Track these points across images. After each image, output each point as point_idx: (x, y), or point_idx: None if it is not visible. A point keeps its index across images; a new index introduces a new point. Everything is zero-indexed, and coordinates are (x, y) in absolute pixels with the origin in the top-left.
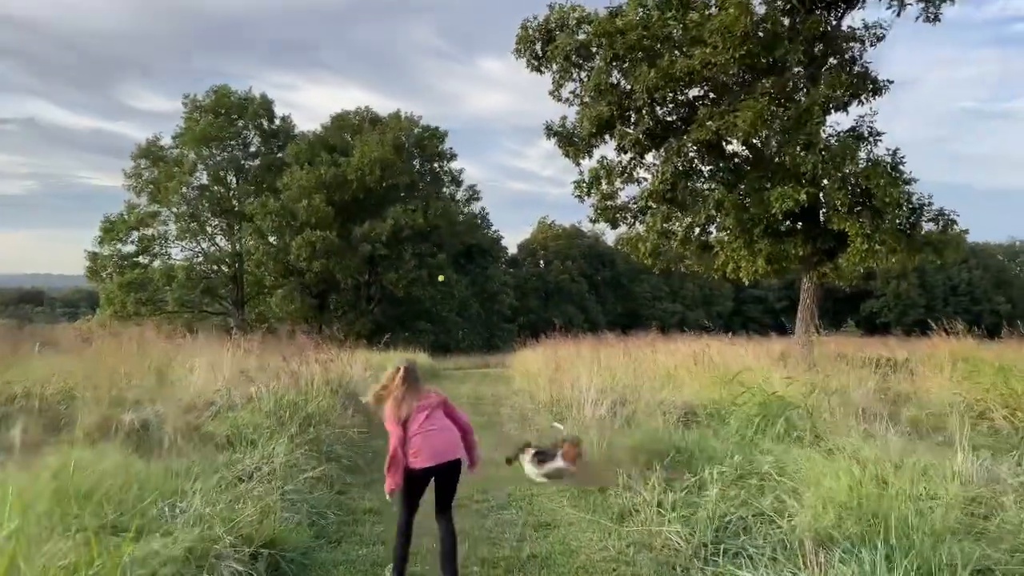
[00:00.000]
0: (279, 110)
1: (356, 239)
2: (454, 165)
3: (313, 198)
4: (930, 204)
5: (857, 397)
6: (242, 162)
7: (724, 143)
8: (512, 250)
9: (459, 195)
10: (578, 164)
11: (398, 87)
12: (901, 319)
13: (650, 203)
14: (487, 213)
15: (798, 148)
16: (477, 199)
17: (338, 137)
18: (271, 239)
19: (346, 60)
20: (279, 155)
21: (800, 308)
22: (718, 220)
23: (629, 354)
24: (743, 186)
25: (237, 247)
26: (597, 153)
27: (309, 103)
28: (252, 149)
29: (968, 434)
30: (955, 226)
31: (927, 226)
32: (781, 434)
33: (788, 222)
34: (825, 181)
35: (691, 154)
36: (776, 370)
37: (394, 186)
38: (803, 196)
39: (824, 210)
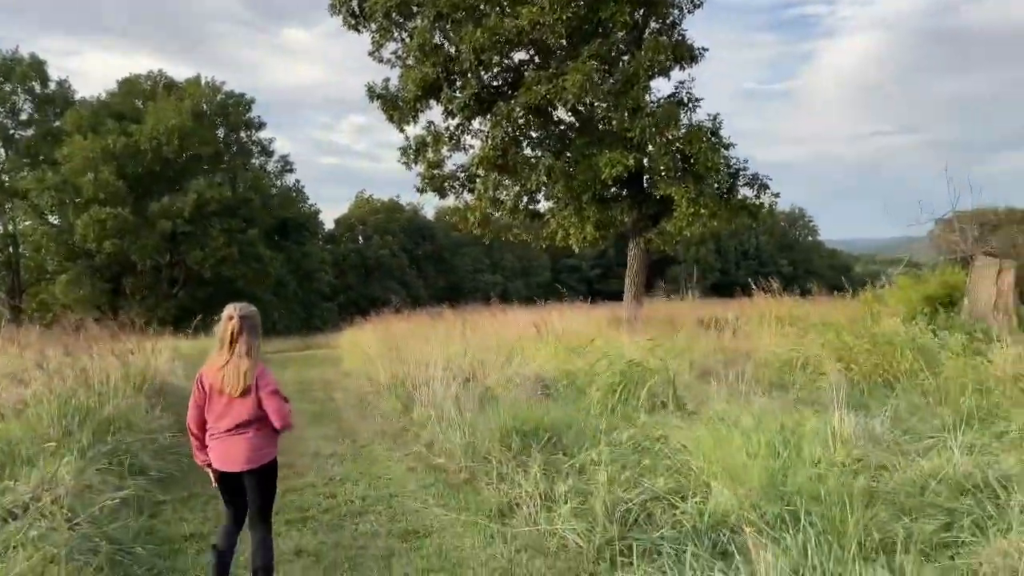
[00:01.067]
0: (58, 75)
1: (154, 215)
2: (263, 135)
3: (100, 171)
4: (745, 169)
5: (699, 358)
6: (11, 131)
7: (552, 109)
8: (329, 225)
9: (270, 166)
10: (403, 130)
11: (194, 56)
12: (700, 282)
13: (479, 171)
14: (302, 186)
15: (625, 113)
16: (291, 171)
17: (128, 104)
18: (51, 218)
19: (132, 23)
20: (56, 123)
21: (628, 273)
22: (547, 188)
23: (469, 327)
24: (570, 153)
25: (10, 228)
26: (423, 119)
27: (94, 71)
28: (23, 117)
29: (835, 391)
30: (767, 190)
31: (743, 191)
32: (645, 402)
33: (615, 188)
34: (651, 147)
35: (520, 120)
36: (620, 336)
37: (196, 157)
38: (631, 161)
39: (649, 176)
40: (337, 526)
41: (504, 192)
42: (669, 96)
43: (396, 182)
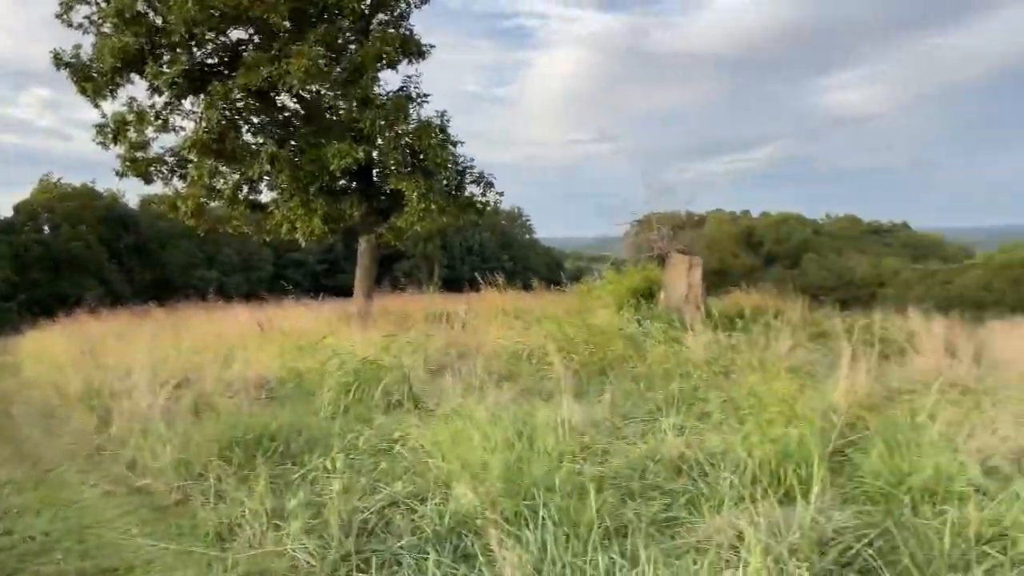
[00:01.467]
0: None
1: None
2: None
3: None
4: (472, 167)
5: (433, 353)
6: None
7: (275, 93)
8: (6, 212)
9: None
10: (98, 106)
11: None
12: (430, 277)
13: (192, 155)
14: None
15: (354, 104)
16: None
17: None
18: None
19: None
20: None
21: (359, 269)
22: (270, 177)
23: (181, 327)
24: (295, 141)
25: None
26: (123, 94)
27: None
28: None
29: (561, 381)
30: (492, 188)
31: (470, 188)
32: (380, 402)
33: (344, 181)
34: (380, 140)
35: (239, 103)
36: (352, 332)
37: None
38: (360, 154)
39: (379, 170)
40: (15, 569)
41: (221, 180)
42: (398, 90)
43: (91, 165)
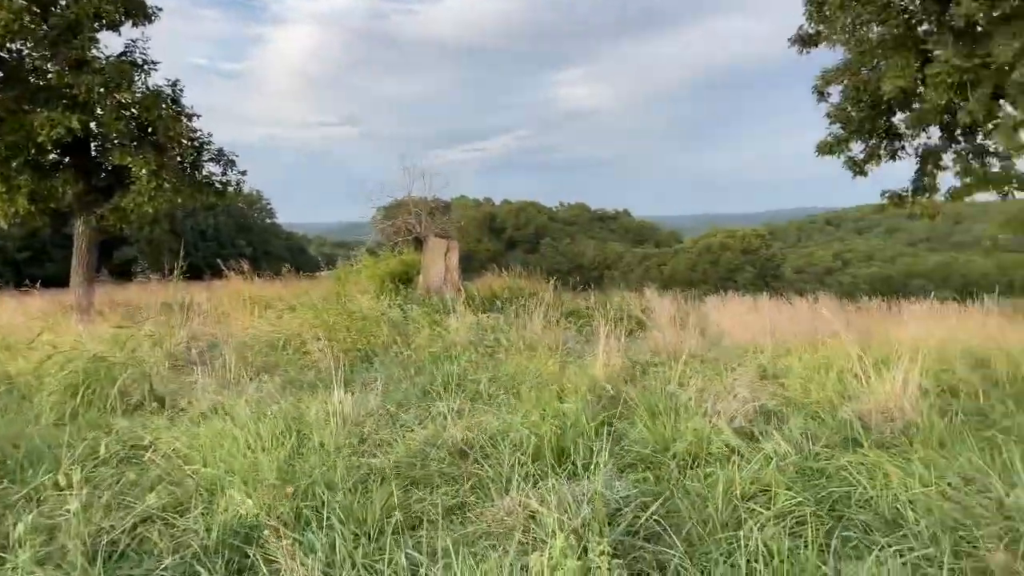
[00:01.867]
0: None
1: None
2: None
3: None
4: (210, 144)
5: (174, 347)
6: None
7: None
8: None
9: None
10: None
11: None
12: (157, 263)
13: None
14: None
15: (66, 68)
16: None
17: None
18: None
19: None
20: None
21: (75, 255)
22: None
23: None
24: None
25: None
26: None
27: None
28: None
29: (331, 371)
30: (234, 167)
31: (208, 166)
32: (116, 404)
33: (55, 155)
34: (100, 109)
35: None
36: (73, 327)
37: None
38: (75, 123)
39: (99, 143)
40: None
41: None
42: (120, 55)
43: None
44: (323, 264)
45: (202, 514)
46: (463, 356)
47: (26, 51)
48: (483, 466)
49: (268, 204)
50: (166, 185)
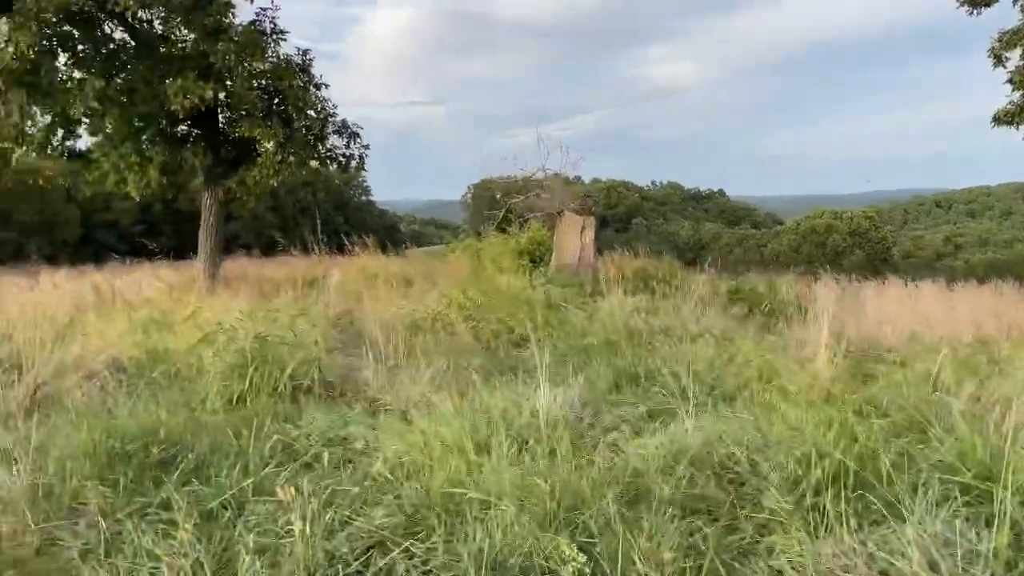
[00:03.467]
0: None
1: None
2: None
3: None
4: (335, 115)
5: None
6: None
7: (100, 18)
8: None
9: None
10: None
11: None
12: (259, 239)
13: None
14: None
15: (200, 34)
16: None
17: None
18: None
19: None
20: None
21: (203, 229)
22: (91, 119)
23: None
24: (124, 76)
25: None
26: None
27: None
28: None
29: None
30: (358, 140)
31: (332, 139)
32: (285, 389)
33: (184, 126)
34: (232, 78)
35: (57, 26)
36: (216, 301)
37: None
38: (209, 93)
39: (227, 113)
40: None
41: (30, 121)
42: (251, 23)
43: None
44: (408, 242)
45: (445, 540)
46: (633, 343)
47: (158, 19)
48: (760, 492)
49: (364, 182)
50: (291, 158)
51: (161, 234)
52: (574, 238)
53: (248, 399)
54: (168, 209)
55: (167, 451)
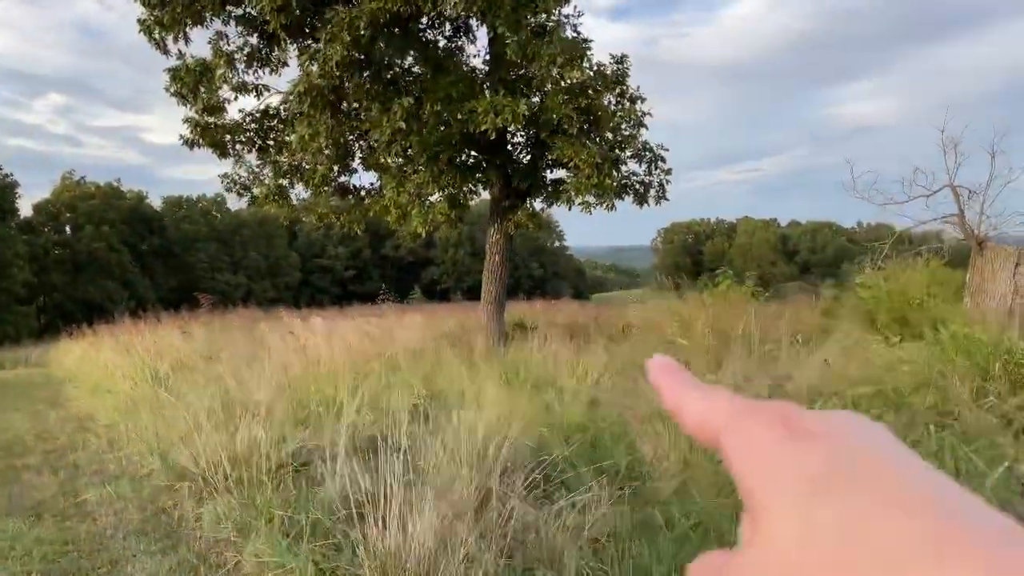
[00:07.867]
0: None
1: None
2: None
3: None
4: (639, 134)
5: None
6: None
7: (416, 23)
8: (26, 212)
9: None
10: (166, 51)
11: None
12: (459, 285)
13: (305, 107)
14: None
15: (522, 37)
16: None
17: None
18: None
19: None
20: None
21: (487, 268)
22: (393, 143)
23: (258, 341)
24: (428, 94)
25: None
26: (203, 35)
27: None
28: None
29: None
30: (663, 164)
31: (630, 164)
32: None
33: (475, 151)
34: (548, 91)
35: (363, 37)
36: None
37: None
38: (523, 107)
39: (523, 134)
40: None
41: (325, 141)
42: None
43: (102, 170)
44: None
45: None
46: None
47: (478, 17)
48: None
49: (558, 226)
50: (607, 181)
51: (370, 278)
52: (1003, 277)
53: None
54: (375, 254)
55: None
